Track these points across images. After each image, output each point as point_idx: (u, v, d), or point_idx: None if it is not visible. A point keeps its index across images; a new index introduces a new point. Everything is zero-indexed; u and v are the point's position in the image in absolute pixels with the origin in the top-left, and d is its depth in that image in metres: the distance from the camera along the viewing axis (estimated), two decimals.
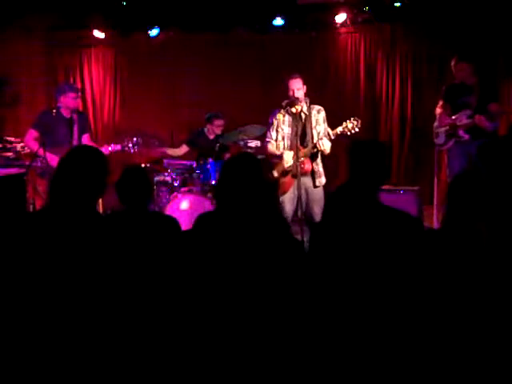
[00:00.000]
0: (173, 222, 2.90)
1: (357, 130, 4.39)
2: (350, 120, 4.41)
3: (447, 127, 5.16)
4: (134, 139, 5.29)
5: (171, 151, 6.14)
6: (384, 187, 5.64)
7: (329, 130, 4.57)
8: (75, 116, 4.99)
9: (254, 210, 2.06)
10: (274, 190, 2.35)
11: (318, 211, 4.59)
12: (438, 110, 5.34)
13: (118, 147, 5.23)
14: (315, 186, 4.58)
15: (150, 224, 2.81)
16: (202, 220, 2.12)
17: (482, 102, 4.96)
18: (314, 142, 4.51)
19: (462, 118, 5.05)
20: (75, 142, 4.92)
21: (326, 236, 2.30)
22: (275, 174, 4.65)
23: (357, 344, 2.12)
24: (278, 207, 2.23)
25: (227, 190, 2.10)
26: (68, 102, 4.92)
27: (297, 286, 2.06)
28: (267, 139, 4.80)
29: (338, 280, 2.18)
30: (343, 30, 7.11)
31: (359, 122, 4.39)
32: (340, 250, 2.21)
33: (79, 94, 5.22)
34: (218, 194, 2.17)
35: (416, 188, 5.93)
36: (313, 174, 4.58)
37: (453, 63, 5.17)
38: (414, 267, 2.16)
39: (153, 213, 3.16)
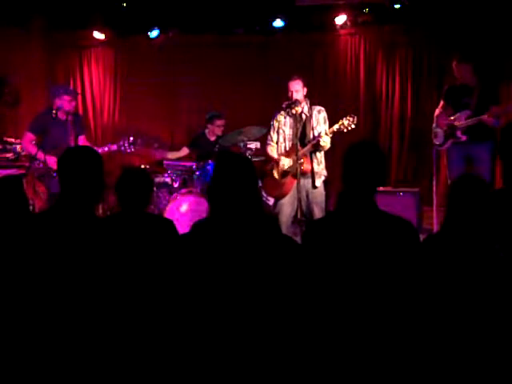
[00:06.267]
0: (169, 225, 2.88)
1: (353, 126, 4.37)
2: (346, 117, 4.39)
3: (445, 128, 5.14)
4: (131, 138, 5.25)
5: (171, 155, 6.14)
6: (384, 189, 5.68)
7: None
8: (70, 117, 4.96)
9: (246, 210, 2.06)
10: (259, 190, 2.33)
11: (318, 212, 4.58)
12: (437, 111, 5.32)
13: (114, 147, 5.20)
14: (315, 187, 4.58)
15: (147, 227, 2.79)
16: (198, 226, 2.12)
17: (482, 103, 4.95)
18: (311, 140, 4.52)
19: (460, 119, 5.02)
20: (72, 144, 4.90)
21: (318, 235, 2.30)
22: (275, 174, 4.66)
23: (352, 344, 2.12)
24: (264, 207, 2.23)
25: (219, 191, 2.11)
26: (63, 105, 4.90)
27: (292, 287, 2.06)
28: (268, 141, 4.82)
29: (326, 279, 2.18)
30: (343, 31, 7.11)
31: (355, 118, 4.37)
32: (331, 249, 2.21)
33: (75, 97, 5.17)
34: (210, 196, 2.16)
35: (416, 190, 5.92)
36: (313, 175, 4.59)
37: (454, 64, 5.13)
38: (406, 270, 2.16)
39: (149, 215, 3.13)
